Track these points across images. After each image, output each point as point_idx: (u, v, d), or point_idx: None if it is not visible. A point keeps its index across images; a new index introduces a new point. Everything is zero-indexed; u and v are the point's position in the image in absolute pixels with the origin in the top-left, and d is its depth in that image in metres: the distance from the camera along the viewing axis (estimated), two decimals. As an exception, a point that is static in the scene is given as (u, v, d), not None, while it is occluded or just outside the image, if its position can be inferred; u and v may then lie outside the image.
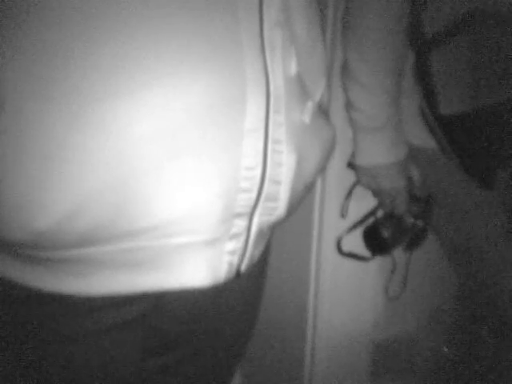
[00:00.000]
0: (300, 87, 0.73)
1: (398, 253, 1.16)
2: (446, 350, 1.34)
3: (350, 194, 1.17)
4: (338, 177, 1.13)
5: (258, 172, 0.68)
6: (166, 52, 0.61)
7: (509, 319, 1.10)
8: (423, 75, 1.07)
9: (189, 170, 0.64)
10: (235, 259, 0.74)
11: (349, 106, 1.10)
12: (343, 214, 1.17)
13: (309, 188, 0.80)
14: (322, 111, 0.81)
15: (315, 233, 1.23)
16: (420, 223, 1.12)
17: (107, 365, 0.79)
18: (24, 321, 0.74)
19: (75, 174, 0.61)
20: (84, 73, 0.59)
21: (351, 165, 1.13)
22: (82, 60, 0.59)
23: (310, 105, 0.74)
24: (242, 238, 0.73)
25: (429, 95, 1.07)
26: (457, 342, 1.32)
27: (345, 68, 1.09)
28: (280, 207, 0.73)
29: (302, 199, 0.80)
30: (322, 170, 0.81)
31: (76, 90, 0.60)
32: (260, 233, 0.75)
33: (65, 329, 0.75)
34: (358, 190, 1.15)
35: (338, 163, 0.87)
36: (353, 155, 1.12)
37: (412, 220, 1.12)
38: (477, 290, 1.15)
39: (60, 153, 0.60)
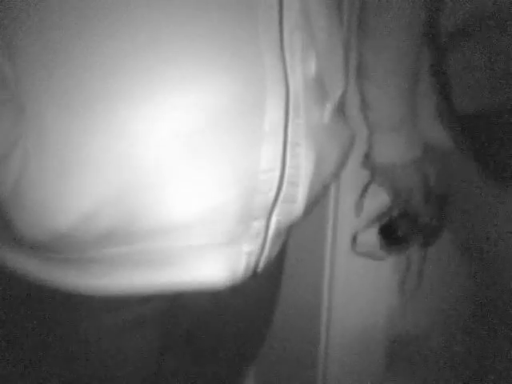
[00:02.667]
0: (319, 88, 0.73)
1: (413, 250, 1.16)
2: (460, 349, 1.34)
3: (364, 191, 1.17)
4: (352, 175, 1.13)
5: (276, 174, 0.68)
6: (185, 55, 0.61)
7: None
8: (440, 74, 1.07)
9: (206, 173, 0.65)
10: (252, 259, 0.75)
11: (364, 105, 1.10)
12: (358, 212, 1.18)
13: (327, 188, 0.81)
14: (341, 111, 0.81)
15: (330, 230, 1.23)
16: (435, 221, 1.12)
17: (124, 363, 0.80)
18: (42, 319, 0.75)
19: (93, 177, 0.62)
20: (102, 76, 0.60)
21: (366, 163, 1.13)
22: (98, 63, 0.60)
23: (328, 106, 0.75)
24: (260, 239, 0.73)
25: (445, 94, 1.07)
26: (470, 340, 1.32)
27: (360, 68, 1.08)
28: (298, 208, 0.73)
29: (319, 199, 0.80)
30: (340, 170, 0.82)
31: (93, 95, 0.60)
32: (277, 233, 0.75)
33: (83, 328, 0.76)
34: (373, 187, 1.15)
35: (352, 162, 0.87)
36: (367, 154, 1.12)
37: (427, 218, 1.12)
38: (493, 289, 1.15)
39: (77, 157, 0.61)
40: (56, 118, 0.61)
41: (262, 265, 0.77)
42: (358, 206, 1.17)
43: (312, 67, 0.70)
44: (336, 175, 0.81)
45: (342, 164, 0.81)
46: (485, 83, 1.04)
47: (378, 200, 1.15)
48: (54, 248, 0.66)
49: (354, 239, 1.16)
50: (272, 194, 0.69)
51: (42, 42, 0.60)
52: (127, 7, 0.59)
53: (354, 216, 1.17)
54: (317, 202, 0.79)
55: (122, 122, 0.61)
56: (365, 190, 1.16)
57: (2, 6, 0.59)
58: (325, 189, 0.80)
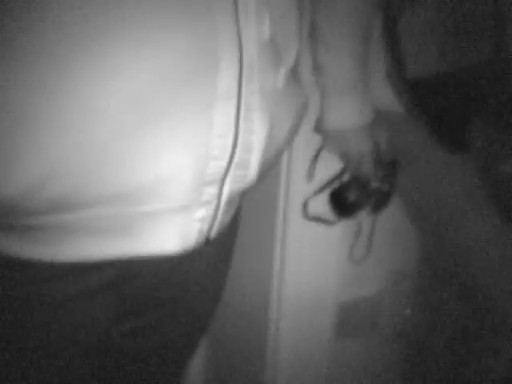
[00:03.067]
0: (273, 52, 0.71)
1: (364, 216, 1.17)
2: (408, 312, 1.37)
3: (316, 157, 1.16)
4: (304, 141, 1.13)
5: (229, 140, 0.67)
6: (135, 17, 0.59)
7: (472, 283, 1.13)
8: (390, 39, 1.07)
9: (159, 137, 0.64)
10: (205, 226, 0.74)
11: (316, 69, 1.09)
12: (309, 178, 1.17)
13: (280, 154, 0.80)
14: (295, 76, 0.80)
15: (282, 196, 1.23)
16: (385, 186, 1.12)
17: (78, 330, 0.80)
18: None
19: (44, 141, 0.60)
20: (57, 39, 0.58)
21: (317, 128, 1.13)
22: (48, 28, 0.58)
23: (282, 70, 0.73)
24: (213, 206, 0.72)
25: (396, 59, 1.07)
26: (419, 304, 1.34)
27: (313, 31, 1.07)
28: (251, 175, 0.73)
29: (273, 166, 0.79)
30: (293, 135, 0.81)
31: (48, 58, 0.58)
32: (230, 200, 0.75)
33: (35, 295, 0.74)
34: (325, 153, 1.15)
35: (303, 127, 0.87)
36: (319, 119, 1.12)
37: (377, 183, 1.12)
38: (441, 253, 1.17)
39: (28, 119, 0.59)
40: (8, 77, 0.58)
41: (214, 232, 0.76)
42: (310, 172, 1.17)
43: (266, 30, 0.69)
44: (289, 141, 0.81)
45: (295, 130, 0.80)
46: (434, 48, 1.04)
47: (330, 165, 1.15)
48: (5, 214, 0.65)
49: (306, 204, 1.16)
50: (225, 159, 0.68)
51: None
52: None
53: (305, 181, 1.17)
54: (270, 168, 0.79)
55: (76, 87, 0.59)
56: (316, 155, 1.16)
57: None
58: (278, 155, 0.80)
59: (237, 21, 0.64)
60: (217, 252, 0.85)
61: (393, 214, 1.19)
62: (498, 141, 0.98)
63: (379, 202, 1.14)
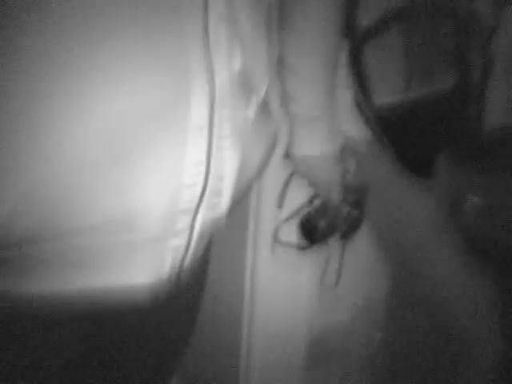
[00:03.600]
0: (245, 83, 0.72)
1: (333, 242, 1.18)
2: (379, 335, 1.37)
3: (286, 184, 1.17)
4: (274, 168, 1.14)
5: (202, 168, 0.68)
6: (107, 49, 0.59)
7: (438, 308, 1.14)
8: (357, 67, 1.09)
9: (133, 168, 0.63)
10: (178, 256, 0.74)
11: (284, 97, 1.10)
12: (280, 205, 1.18)
13: (252, 182, 0.81)
14: (266, 107, 0.81)
15: (252, 223, 1.24)
16: (355, 213, 1.14)
17: (45, 359, 0.78)
18: None
19: (15, 175, 0.59)
20: (33, 71, 0.58)
21: (287, 156, 1.14)
22: (30, 56, 0.57)
23: (254, 101, 0.74)
24: (186, 235, 0.72)
25: (363, 86, 1.09)
26: (390, 328, 1.35)
27: (280, 59, 1.09)
28: (223, 202, 0.73)
29: (245, 194, 0.80)
30: (265, 164, 0.82)
31: (18, 90, 0.58)
32: (203, 229, 0.74)
33: (6, 325, 0.73)
34: (294, 180, 1.16)
35: (274, 155, 0.88)
36: (288, 146, 1.13)
37: (347, 210, 1.13)
38: (408, 279, 1.18)
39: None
40: None
41: (187, 261, 0.76)
42: (280, 200, 1.18)
43: (237, 61, 0.70)
44: (261, 169, 0.81)
45: (267, 158, 0.81)
46: (400, 75, 1.06)
47: (299, 193, 1.16)
48: None
49: (276, 231, 1.17)
50: (198, 187, 0.68)
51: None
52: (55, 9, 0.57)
53: (275, 208, 1.17)
54: (242, 196, 0.79)
55: (48, 118, 0.59)
56: (286, 182, 1.17)
57: None
58: (250, 183, 0.80)
59: (208, 50, 0.65)
60: (189, 282, 0.84)
61: (362, 241, 1.20)
62: (464, 171, 1.00)
63: (349, 228, 1.15)
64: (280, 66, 1.09)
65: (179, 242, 0.72)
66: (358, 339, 1.43)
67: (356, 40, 1.08)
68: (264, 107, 0.80)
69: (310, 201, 1.17)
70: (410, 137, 1.09)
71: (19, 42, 0.57)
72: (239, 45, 0.70)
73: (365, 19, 1.06)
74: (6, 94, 0.58)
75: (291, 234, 1.15)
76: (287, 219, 1.17)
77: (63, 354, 0.78)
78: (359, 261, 1.32)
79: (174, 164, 0.66)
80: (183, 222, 0.70)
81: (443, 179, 1.05)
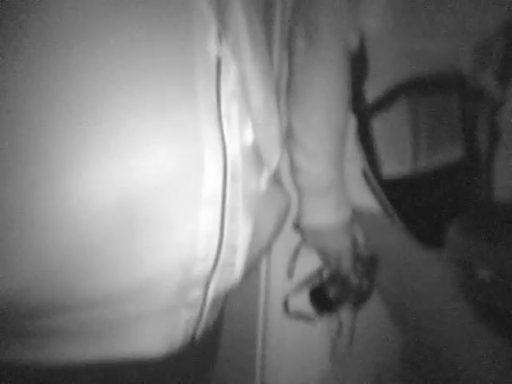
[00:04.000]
0: (256, 156, 0.74)
1: (344, 312, 1.17)
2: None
3: (295, 254, 1.18)
4: (283, 237, 1.14)
5: (215, 239, 0.68)
6: (123, 125, 0.61)
7: (451, 374, 1.12)
8: (365, 139, 1.10)
9: (145, 241, 0.64)
10: (190, 327, 0.74)
11: (293, 168, 1.12)
12: (290, 275, 1.18)
13: (264, 252, 0.81)
14: (277, 179, 0.83)
15: (262, 292, 1.24)
16: (365, 282, 1.14)
17: None
18: None
19: (28, 249, 0.59)
20: (41, 138, 0.59)
21: (296, 226, 1.15)
22: (37, 123, 0.59)
23: (265, 173, 0.76)
24: (198, 306, 0.73)
25: (371, 159, 1.10)
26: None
27: (289, 132, 1.11)
28: (235, 274, 0.73)
29: (257, 263, 0.80)
30: (277, 235, 0.82)
31: (30, 158, 0.59)
32: (215, 299, 0.75)
33: None
34: (304, 250, 1.17)
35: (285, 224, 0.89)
36: (298, 216, 1.14)
37: (357, 280, 1.13)
38: (421, 347, 1.17)
39: (13, 227, 0.59)
40: None
41: (199, 332, 0.76)
42: (290, 269, 1.18)
43: (249, 135, 0.72)
44: (273, 239, 0.82)
45: (278, 228, 0.82)
46: (408, 147, 1.08)
47: (309, 262, 1.16)
48: None
49: (286, 302, 1.17)
50: (211, 260, 0.69)
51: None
52: (69, 78, 0.59)
53: (285, 278, 1.18)
54: (253, 267, 0.79)
55: (60, 189, 0.59)
56: (296, 252, 1.17)
57: None
58: (262, 253, 0.81)
59: (220, 126, 0.67)
60: (202, 350, 0.84)
61: (373, 310, 1.19)
62: (475, 241, 1.01)
63: (359, 297, 1.15)
64: (288, 138, 1.11)
65: (192, 312, 0.72)
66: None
67: (363, 112, 1.10)
68: (275, 178, 0.81)
69: (320, 270, 1.17)
70: (418, 207, 1.09)
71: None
72: (251, 119, 0.72)
73: (372, 92, 1.08)
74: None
75: (301, 303, 1.15)
76: (297, 289, 1.17)
77: None
78: (370, 330, 1.31)
79: (187, 236, 0.66)
80: (196, 293, 0.71)
81: (454, 248, 1.05)
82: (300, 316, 1.17)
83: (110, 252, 0.62)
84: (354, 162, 1.14)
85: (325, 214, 1.11)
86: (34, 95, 0.59)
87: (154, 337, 0.71)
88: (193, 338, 0.75)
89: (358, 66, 1.08)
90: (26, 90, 0.59)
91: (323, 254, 1.15)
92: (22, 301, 0.61)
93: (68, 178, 0.59)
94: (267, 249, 0.83)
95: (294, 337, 1.26)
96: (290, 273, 1.19)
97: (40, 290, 0.61)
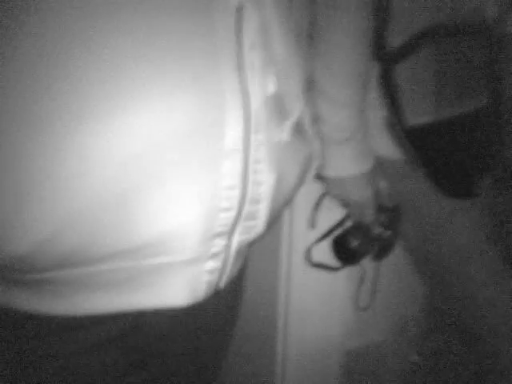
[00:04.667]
0: (279, 106, 0.73)
1: (367, 262, 1.17)
2: (415, 358, 1.36)
3: (318, 205, 1.17)
4: (306, 188, 1.13)
5: (237, 191, 0.68)
6: (144, 77, 0.60)
7: (477, 330, 1.12)
8: (388, 87, 1.08)
9: (169, 192, 0.64)
10: (214, 278, 0.74)
11: (315, 118, 1.11)
12: (312, 225, 1.18)
13: (287, 204, 0.81)
14: (300, 128, 0.82)
15: (285, 244, 1.24)
16: (388, 233, 1.13)
17: (88, 382, 0.79)
18: (1, 341, 0.73)
19: (53, 199, 0.60)
20: (62, 93, 0.59)
21: (319, 176, 1.14)
22: (58, 78, 0.59)
23: (288, 123, 0.75)
24: (221, 257, 0.73)
25: (394, 107, 1.09)
26: (425, 350, 1.33)
27: (311, 81, 1.09)
28: (259, 225, 0.74)
29: (280, 215, 0.80)
30: (300, 186, 0.82)
31: (51, 114, 0.59)
32: (239, 251, 0.75)
33: (44, 348, 0.74)
34: (327, 200, 1.16)
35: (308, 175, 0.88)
36: (320, 167, 1.13)
37: (380, 230, 1.13)
38: (445, 299, 1.17)
39: (37, 178, 0.60)
40: (14, 136, 0.59)
41: (223, 283, 0.77)
42: (312, 219, 1.18)
43: (271, 85, 0.70)
44: (296, 191, 0.82)
45: (301, 180, 0.81)
46: (432, 95, 1.06)
47: (332, 213, 1.16)
48: (12, 270, 0.64)
49: (308, 252, 1.17)
50: (234, 211, 0.69)
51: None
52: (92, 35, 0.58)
53: (308, 229, 1.17)
54: (277, 218, 0.79)
55: (82, 142, 0.59)
56: (318, 202, 1.17)
57: None
58: (285, 205, 0.81)
59: (242, 76, 0.66)
60: (225, 302, 0.85)
61: (396, 260, 1.19)
62: (506, 192, 0.99)
63: (382, 248, 1.14)
64: (310, 87, 1.10)
65: (215, 264, 0.73)
66: (392, 360, 1.42)
67: (387, 60, 1.08)
68: (298, 129, 0.80)
69: (343, 221, 1.17)
70: (443, 156, 1.08)
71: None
72: (273, 69, 0.70)
73: (395, 39, 1.06)
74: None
75: (324, 254, 1.15)
76: (319, 240, 1.17)
77: (106, 373, 0.79)
78: (393, 281, 1.31)
79: (210, 187, 0.66)
80: (219, 244, 0.71)
81: (484, 198, 1.04)
82: (322, 266, 1.17)
83: (132, 203, 0.63)
84: (377, 110, 1.12)
85: (347, 164, 1.10)
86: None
87: (178, 287, 0.72)
88: (216, 289, 0.76)
89: (381, 12, 1.05)
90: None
91: (346, 204, 1.15)
92: (45, 251, 0.62)
93: (91, 130, 0.59)
94: (290, 200, 0.82)
95: (316, 287, 1.26)
96: (313, 223, 1.18)
97: (63, 240, 0.62)
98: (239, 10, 0.65)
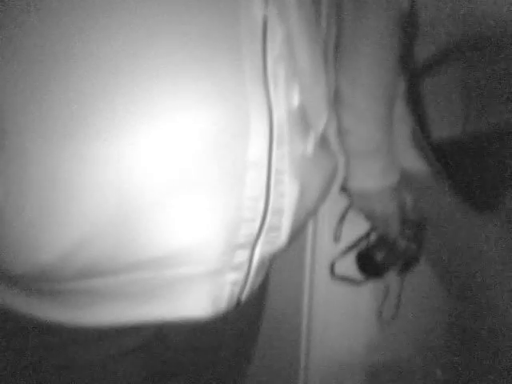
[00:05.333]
0: (302, 119, 0.73)
1: (391, 276, 1.16)
2: (439, 373, 1.34)
3: (343, 217, 1.17)
4: (331, 200, 1.13)
5: (261, 203, 0.68)
6: (169, 87, 0.61)
7: (505, 345, 1.11)
8: (415, 101, 1.08)
9: (192, 202, 0.64)
10: (236, 289, 0.74)
11: (341, 130, 1.10)
12: (336, 238, 1.17)
13: (310, 216, 0.81)
14: (325, 141, 0.81)
15: (308, 256, 1.23)
16: (413, 246, 1.12)
17: None
18: (25, 351, 0.74)
19: (77, 210, 0.60)
20: (87, 104, 0.59)
21: (344, 189, 1.13)
22: (82, 92, 0.59)
23: (312, 136, 0.75)
24: (244, 269, 0.73)
25: (420, 121, 1.08)
26: (449, 364, 1.32)
27: (337, 93, 1.09)
28: (282, 237, 0.73)
29: (303, 228, 0.80)
30: (323, 199, 0.81)
31: (77, 124, 0.59)
32: (261, 263, 0.75)
33: (66, 358, 0.74)
34: (351, 213, 1.15)
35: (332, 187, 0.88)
36: (345, 179, 1.12)
37: (405, 243, 1.12)
38: (469, 312, 1.16)
39: (62, 189, 0.60)
40: (38, 149, 0.59)
41: (245, 295, 0.76)
42: (336, 232, 1.17)
43: (295, 98, 0.70)
44: (320, 203, 0.81)
45: (325, 192, 0.81)
46: (459, 110, 1.05)
47: (356, 226, 1.15)
48: (36, 280, 0.65)
49: (332, 265, 1.16)
50: (257, 222, 0.69)
51: (23, 73, 0.58)
52: (111, 43, 0.59)
53: (332, 242, 1.17)
54: (300, 230, 0.79)
55: (107, 153, 0.60)
56: (343, 215, 1.16)
57: None
58: (308, 217, 0.80)
59: (267, 89, 0.66)
60: (247, 314, 0.85)
61: (421, 274, 1.18)
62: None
63: (407, 262, 1.13)
64: (336, 99, 1.09)
65: (237, 275, 0.73)
66: (415, 376, 1.40)
67: (414, 73, 1.07)
68: (322, 141, 0.80)
69: (368, 234, 1.16)
70: (469, 170, 1.07)
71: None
72: (297, 82, 0.70)
73: (423, 52, 1.05)
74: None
75: (348, 267, 1.14)
76: (344, 253, 1.16)
77: (128, 383, 0.79)
78: (418, 295, 1.30)
79: (233, 198, 0.66)
80: (241, 255, 0.71)
81: (509, 211, 1.02)
82: (346, 279, 1.16)
83: (155, 214, 0.63)
84: (404, 123, 1.12)
85: (372, 178, 1.10)
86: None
87: (200, 299, 0.71)
88: (238, 300, 0.76)
89: (408, 27, 1.05)
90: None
91: (371, 218, 1.14)
92: (68, 262, 0.62)
93: (117, 139, 0.60)
94: (314, 213, 0.82)
95: (340, 301, 1.26)
96: (337, 236, 1.18)
97: (86, 250, 0.62)
98: (264, 22, 0.65)
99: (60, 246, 0.61)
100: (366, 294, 1.24)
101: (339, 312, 1.27)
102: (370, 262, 1.13)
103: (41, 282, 0.66)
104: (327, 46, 1.12)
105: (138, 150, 0.60)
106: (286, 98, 0.69)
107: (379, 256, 1.12)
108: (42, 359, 0.74)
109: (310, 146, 0.74)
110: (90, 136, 0.59)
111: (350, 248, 1.16)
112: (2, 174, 0.60)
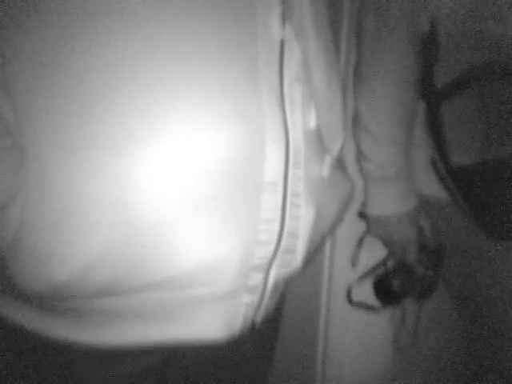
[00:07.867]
0: (319, 141, 0.73)
1: (409, 303, 1.15)
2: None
3: (360, 243, 1.16)
4: (348, 226, 1.13)
5: (276, 225, 0.68)
6: (186, 106, 0.61)
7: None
8: (434, 126, 1.07)
9: (207, 223, 0.64)
10: (250, 312, 0.73)
11: (359, 155, 1.10)
12: (354, 264, 1.17)
13: (325, 239, 0.80)
14: (340, 164, 0.81)
15: (325, 281, 1.23)
16: (430, 274, 1.11)
17: None
18: (37, 370, 0.73)
19: (93, 228, 0.61)
20: (104, 119, 0.60)
21: (362, 214, 1.13)
22: (100, 105, 0.60)
23: (328, 159, 0.75)
24: (259, 291, 0.72)
25: (440, 146, 1.07)
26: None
27: (355, 118, 1.09)
28: (297, 260, 0.73)
29: (318, 250, 0.79)
30: (339, 222, 0.81)
31: (95, 138, 0.60)
32: (276, 285, 0.74)
33: (78, 378, 0.74)
34: (369, 239, 1.15)
35: (348, 212, 0.87)
36: (363, 205, 1.12)
37: (422, 270, 1.11)
38: (490, 342, 1.14)
39: (78, 206, 0.60)
40: (56, 163, 0.60)
41: (260, 317, 0.76)
42: (354, 258, 1.17)
43: (312, 120, 0.71)
44: (335, 227, 0.81)
45: (340, 216, 0.81)
46: (478, 136, 1.04)
47: (374, 252, 1.14)
48: (50, 298, 0.65)
49: (349, 291, 1.15)
50: (272, 245, 0.69)
51: (40, 82, 0.59)
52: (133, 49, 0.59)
53: (349, 267, 1.16)
54: (315, 253, 0.79)
55: (123, 172, 0.60)
56: (360, 241, 1.16)
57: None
58: (323, 241, 0.80)
59: (283, 110, 0.66)
60: (261, 338, 0.84)
61: (438, 302, 1.17)
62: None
63: (424, 289, 1.13)
64: (355, 123, 1.09)
65: (252, 297, 0.72)
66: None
67: (433, 98, 1.07)
68: (339, 165, 0.80)
69: (385, 260, 1.15)
70: (488, 197, 1.06)
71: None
72: (314, 104, 0.71)
73: (442, 77, 1.05)
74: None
75: (365, 293, 1.13)
76: (361, 279, 1.15)
77: None
78: (435, 323, 1.28)
79: (249, 220, 0.66)
80: (256, 278, 0.70)
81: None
82: (363, 306, 1.15)
83: (170, 234, 0.63)
84: (422, 148, 1.11)
85: (390, 204, 1.09)
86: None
87: (214, 321, 0.71)
88: (253, 323, 0.75)
89: (428, 50, 1.04)
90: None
91: (388, 244, 1.14)
92: (84, 280, 0.62)
93: (132, 157, 0.60)
94: (329, 236, 0.82)
95: (356, 327, 1.25)
96: (354, 262, 1.17)
97: (101, 269, 0.62)
98: (282, 43, 0.65)
99: (75, 265, 0.61)
100: (383, 319, 1.23)
101: (355, 338, 1.26)
102: (387, 289, 1.12)
103: (56, 300, 0.66)
104: (346, 71, 1.13)
105: (152, 167, 0.61)
106: (303, 120, 0.69)
107: (396, 284, 1.11)
108: (57, 377, 0.74)
109: (325, 169, 0.74)
110: (106, 150, 0.60)
111: (367, 274, 1.16)
112: (20, 193, 0.61)
